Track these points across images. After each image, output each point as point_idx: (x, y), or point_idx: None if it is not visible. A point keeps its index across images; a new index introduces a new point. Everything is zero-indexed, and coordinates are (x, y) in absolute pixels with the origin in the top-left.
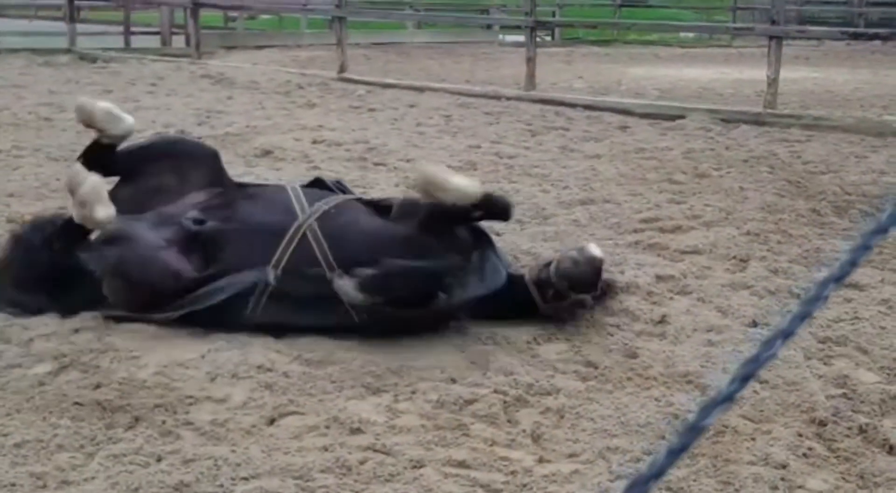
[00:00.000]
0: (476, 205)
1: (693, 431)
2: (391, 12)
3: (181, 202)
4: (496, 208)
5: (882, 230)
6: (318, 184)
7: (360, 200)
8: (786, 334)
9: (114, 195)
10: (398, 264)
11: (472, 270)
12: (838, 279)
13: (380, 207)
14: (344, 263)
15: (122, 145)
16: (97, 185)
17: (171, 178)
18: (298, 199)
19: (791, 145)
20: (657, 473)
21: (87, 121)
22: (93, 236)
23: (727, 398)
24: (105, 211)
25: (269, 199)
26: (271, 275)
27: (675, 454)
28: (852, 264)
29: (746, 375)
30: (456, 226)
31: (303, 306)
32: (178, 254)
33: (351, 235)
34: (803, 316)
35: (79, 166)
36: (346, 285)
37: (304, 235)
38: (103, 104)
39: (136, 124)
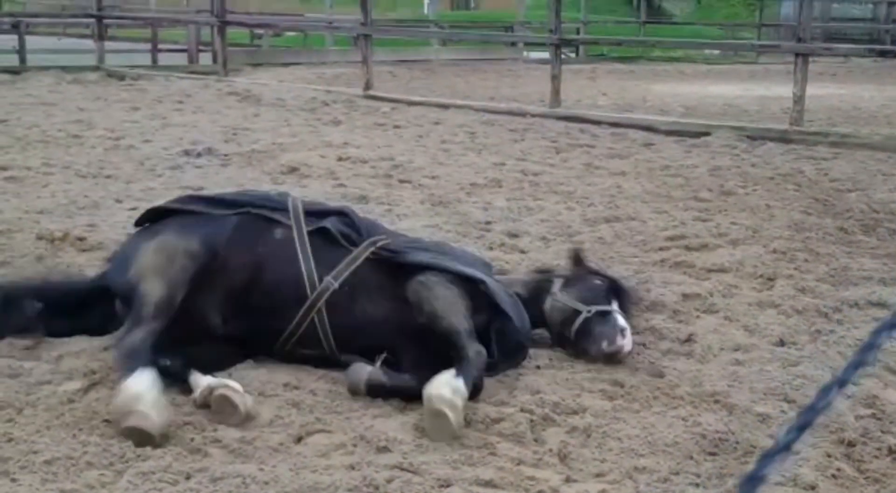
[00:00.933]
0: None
1: (753, 481)
2: (416, 29)
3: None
4: None
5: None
6: (325, 232)
7: (375, 255)
8: (841, 382)
9: None
10: (408, 382)
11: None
12: (892, 326)
13: (397, 267)
14: (346, 350)
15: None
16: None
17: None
18: (310, 275)
19: (818, 163)
20: (785, 447)
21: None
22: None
23: (785, 448)
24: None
25: (278, 278)
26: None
27: None
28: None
29: (803, 424)
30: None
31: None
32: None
33: (358, 325)
34: (857, 365)
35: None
36: (356, 382)
37: (312, 320)
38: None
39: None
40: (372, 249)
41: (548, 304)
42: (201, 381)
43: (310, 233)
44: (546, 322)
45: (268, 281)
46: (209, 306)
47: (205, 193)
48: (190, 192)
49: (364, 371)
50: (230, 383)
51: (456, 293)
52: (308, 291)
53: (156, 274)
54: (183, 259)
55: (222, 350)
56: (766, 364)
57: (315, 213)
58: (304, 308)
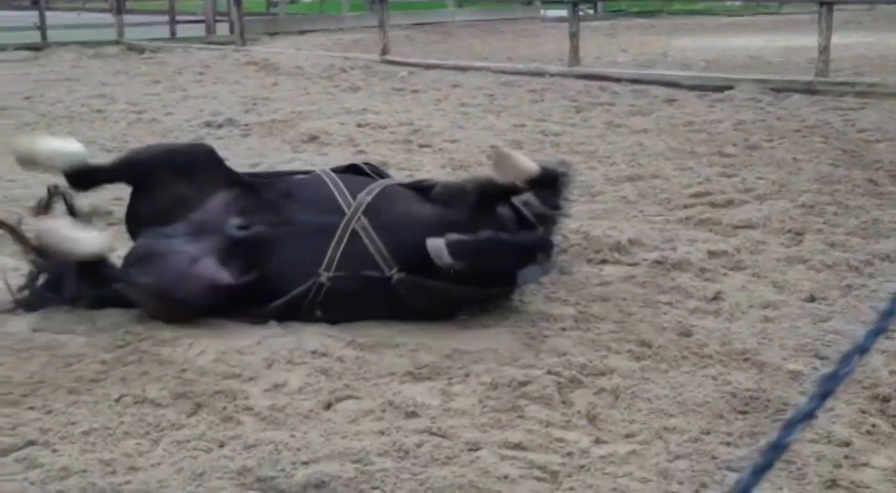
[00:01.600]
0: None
1: (776, 449)
2: None
3: (210, 207)
4: (548, 180)
5: None
6: (352, 170)
7: (399, 184)
8: (861, 350)
9: (134, 210)
10: (491, 235)
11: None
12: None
13: (421, 190)
14: (400, 255)
15: (109, 158)
16: (54, 226)
17: (182, 184)
18: (341, 191)
19: (845, 114)
20: (807, 415)
21: (29, 162)
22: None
23: (808, 416)
24: (87, 236)
25: (311, 195)
26: (324, 277)
27: (759, 472)
28: None
29: (825, 392)
30: (501, 207)
31: (358, 303)
32: (216, 264)
33: (404, 226)
34: (878, 331)
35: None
36: (438, 247)
37: (355, 231)
38: (42, 142)
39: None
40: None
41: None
42: None
43: (337, 173)
44: None
45: (302, 201)
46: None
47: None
48: None
49: (440, 240)
50: None
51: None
52: (344, 207)
53: None
54: None
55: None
56: (796, 321)
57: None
58: (344, 220)
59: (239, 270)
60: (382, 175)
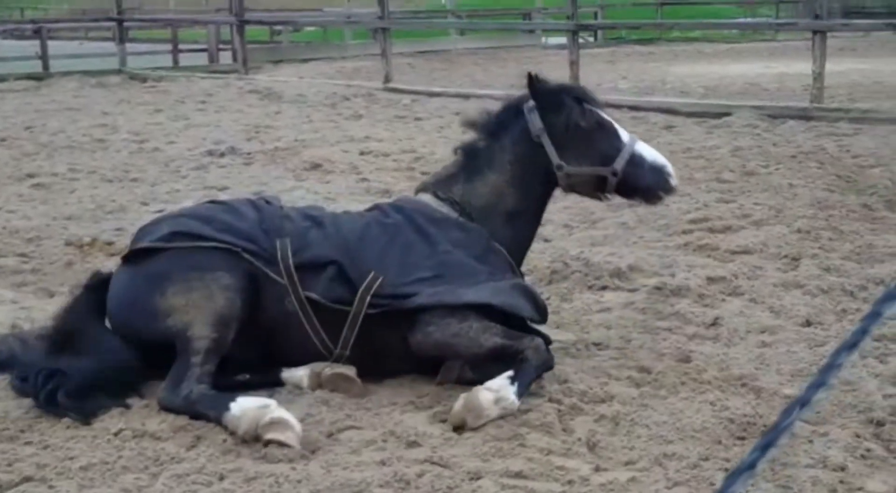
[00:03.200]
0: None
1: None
2: (434, 20)
3: None
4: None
5: (892, 297)
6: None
7: (373, 307)
8: (802, 403)
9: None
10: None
11: None
12: (851, 347)
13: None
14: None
15: None
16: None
17: None
18: (324, 344)
19: (839, 139)
20: (749, 466)
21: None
22: None
23: (749, 468)
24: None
25: (296, 352)
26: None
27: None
28: (864, 332)
29: (766, 444)
30: None
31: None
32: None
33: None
34: (819, 385)
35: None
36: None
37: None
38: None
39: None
40: (368, 298)
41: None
42: (297, 371)
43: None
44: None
45: (284, 346)
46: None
47: (185, 222)
48: (168, 213)
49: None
50: (334, 366)
51: (472, 324)
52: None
53: (201, 315)
54: (223, 294)
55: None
56: (792, 345)
57: (305, 266)
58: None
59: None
60: (350, 280)
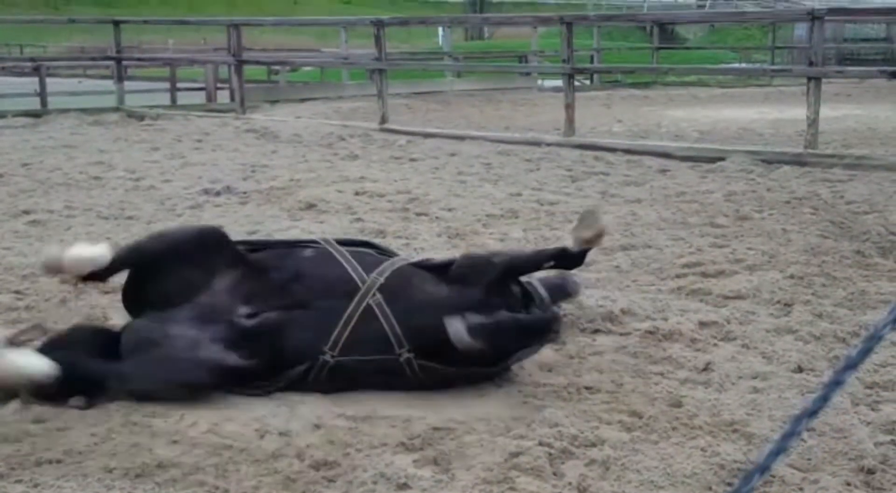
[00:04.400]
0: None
1: None
2: (430, 62)
3: (217, 290)
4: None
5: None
6: (353, 243)
7: (411, 264)
8: (762, 469)
9: (134, 289)
10: (509, 317)
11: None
12: (814, 413)
13: (433, 268)
14: (413, 335)
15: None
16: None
17: (188, 267)
18: (354, 269)
19: (833, 185)
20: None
21: (55, 271)
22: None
23: None
24: (93, 249)
25: (322, 273)
26: (328, 356)
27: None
28: (825, 399)
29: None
30: (512, 283)
31: (359, 379)
32: (222, 347)
33: (418, 305)
34: (779, 451)
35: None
36: (458, 330)
37: (369, 308)
38: (70, 252)
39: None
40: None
41: None
42: None
43: (348, 249)
44: None
45: (314, 280)
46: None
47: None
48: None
49: (459, 321)
50: None
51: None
52: (359, 283)
53: None
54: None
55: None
56: (784, 391)
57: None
58: (356, 298)
59: (247, 353)
60: (390, 254)
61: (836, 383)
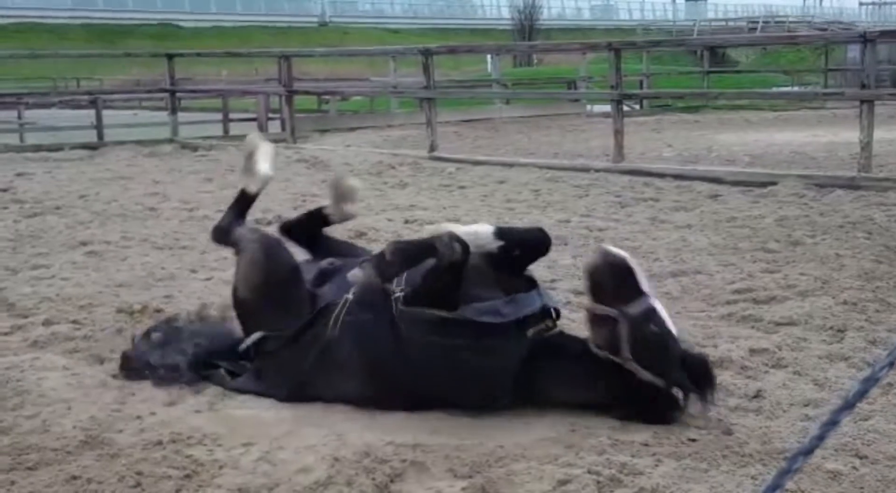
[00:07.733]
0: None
1: None
2: (479, 90)
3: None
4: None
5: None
6: None
7: None
8: (773, 490)
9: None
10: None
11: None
12: (809, 452)
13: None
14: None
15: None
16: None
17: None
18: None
19: (888, 209)
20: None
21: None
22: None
23: None
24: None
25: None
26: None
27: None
28: (821, 439)
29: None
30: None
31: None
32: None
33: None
34: (774, 488)
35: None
36: (486, 231)
37: None
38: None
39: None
40: None
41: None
42: None
43: None
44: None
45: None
46: None
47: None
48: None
49: (487, 226)
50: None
51: None
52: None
53: None
54: None
55: None
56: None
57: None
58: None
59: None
60: None
61: (831, 424)
